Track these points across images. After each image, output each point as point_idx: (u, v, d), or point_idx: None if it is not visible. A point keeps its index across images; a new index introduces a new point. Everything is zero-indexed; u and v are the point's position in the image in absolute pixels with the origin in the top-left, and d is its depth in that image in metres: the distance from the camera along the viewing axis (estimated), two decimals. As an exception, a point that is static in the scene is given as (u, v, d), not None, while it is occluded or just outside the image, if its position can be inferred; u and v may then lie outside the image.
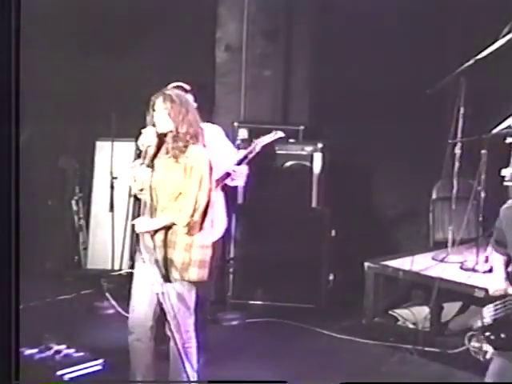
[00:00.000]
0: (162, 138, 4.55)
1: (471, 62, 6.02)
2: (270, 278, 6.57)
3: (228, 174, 5.25)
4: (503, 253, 4.13)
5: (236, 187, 6.28)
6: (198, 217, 4.50)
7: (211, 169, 4.59)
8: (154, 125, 4.52)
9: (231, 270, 6.63)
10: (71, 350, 5.24)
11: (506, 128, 5.95)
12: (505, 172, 5.94)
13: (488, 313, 4.08)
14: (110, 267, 6.56)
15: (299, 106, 7.32)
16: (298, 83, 7.31)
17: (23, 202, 6.96)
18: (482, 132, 6.04)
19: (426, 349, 5.73)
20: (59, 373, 4.96)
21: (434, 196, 6.68)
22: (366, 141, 6.99)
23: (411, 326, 6.20)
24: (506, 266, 4.13)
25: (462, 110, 6.08)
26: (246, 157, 5.37)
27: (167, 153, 4.55)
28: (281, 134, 5.63)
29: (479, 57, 6.02)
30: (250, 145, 5.51)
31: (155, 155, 4.53)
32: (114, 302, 6.04)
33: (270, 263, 6.56)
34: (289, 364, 5.54)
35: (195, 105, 5.24)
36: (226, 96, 7.20)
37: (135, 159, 4.72)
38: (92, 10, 6.71)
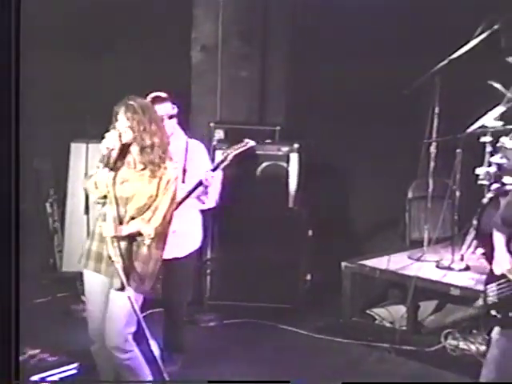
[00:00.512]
0: (125, 147, 4.53)
1: (445, 61, 6.08)
2: (247, 279, 6.57)
3: (200, 183, 5.24)
4: (506, 232, 4.18)
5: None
6: (162, 230, 4.52)
7: (176, 187, 4.62)
8: (118, 132, 4.53)
9: (208, 271, 6.62)
10: (46, 355, 5.27)
11: (480, 127, 6.03)
12: (479, 171, 6.03)
13: (492, 291, 4.16)
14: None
15: (275, 107, 7.34)
16: (274, 84, 7.34)
17: None
18: (456, 131, 6.07)
19: (403, 347, 5.76)
20: (33, 378, 4.97)
21: (409, 195, 6.72)
22: (343, 141, 6.99)
23: (388, 324, 6.20)
24: (508, 245, 4.18)
25: (436, 110, 6.15)
26: (217, 166, 5.37)
27: (136, 165, 4.53)
28: (252, 143, 5.63)
29: (453, 57, 6.07)
30: (224, 153, 5.52)
31: (117, 160, 4.51)
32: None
33: (247, 264, 6.58)
34: (266, 364, 5.55)
35: (174, 110, 5.28)
36: (202, 96, 7.20)
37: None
38: (67, 10, 6.67)
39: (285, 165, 6.64)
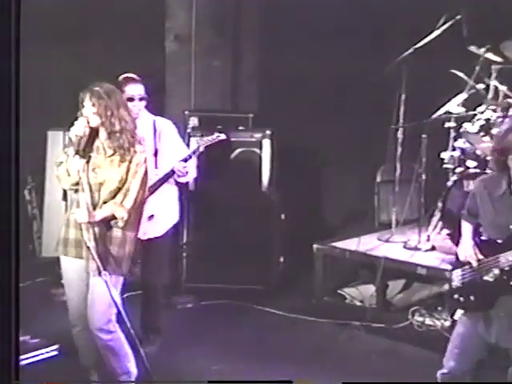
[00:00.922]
0: (93, 133, 4.54)
1: (410, 50, 6.17)
2: (222, 262, 6.58)
3: (173, 172, 5.31)
4: (473, 222, 4.24)
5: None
6: (135, 212, 4.55)
7: (147, 168, 4.62)
8: (86, 119, 4.52)
9: (185, 254, 6.64)
10: (27, 337, 5.33)
11: (444, 113, 6.14)
12: (444, 155, 6.15)
13: (457, 277, 4.20)
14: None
15: (248, 95, 7.40)
16: (247, 72, 7.39)
17: None
18: (422, 117, 6.18)
19: (373, 325, 5.86)
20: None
21: (378, 179, 6.83)
22: (314, 127, 7.03)
23: (358, 303, 6.29)
24: (474, 234, 4.23)
25: (403, 97, 6.23)
26: (190, 156, 5.43)
27: (106, 151, 4.53)
28: (223, 136, 5.73)
29: (418, 46, 6.16)
30: (196, 143, 5.64)
31: (86, 147, 4.51)
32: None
33: (222, 247, 6.60)
34: (242, 343, 5.64)
35: (144, 95, 5.30)
36: (176, 85, 7.22)
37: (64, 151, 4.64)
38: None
39: (258, 151, 6.67)
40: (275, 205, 6.71)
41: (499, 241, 4.09)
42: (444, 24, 6.10)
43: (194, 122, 6.83)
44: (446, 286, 4.32)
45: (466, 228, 4.29)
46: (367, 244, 6.26)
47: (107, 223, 4.51)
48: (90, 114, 4.48)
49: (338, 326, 5.94)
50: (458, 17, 6.07)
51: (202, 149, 5.55)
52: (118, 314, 4.58)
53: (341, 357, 5.51)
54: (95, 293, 4.52)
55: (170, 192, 5.46)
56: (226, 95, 7.32)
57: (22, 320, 5.27)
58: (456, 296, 4.22)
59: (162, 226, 5.43)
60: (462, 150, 6.09)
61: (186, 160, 5.41)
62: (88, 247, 4.44)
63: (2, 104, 3.25)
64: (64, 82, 4.59)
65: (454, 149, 6.15)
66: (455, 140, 6.16)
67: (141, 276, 5.37)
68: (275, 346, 5.62)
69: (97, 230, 4.49)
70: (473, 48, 6.11)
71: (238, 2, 7.24)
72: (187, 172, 5.39)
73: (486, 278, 4.09)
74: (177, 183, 5.49)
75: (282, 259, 6.80)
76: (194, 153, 5.53)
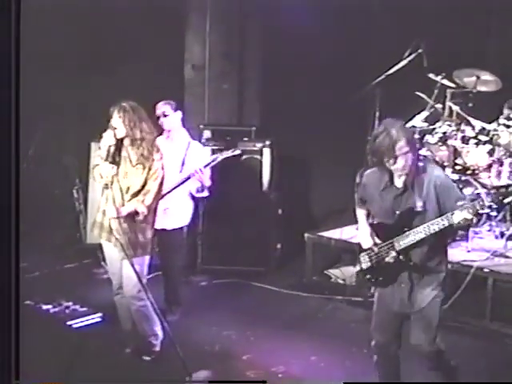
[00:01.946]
0: (120, 142, 4.59)
1: (383, 76, 6.26)
2: (230, 248, 6.66)
3: (189, 176, 5.37)
4: (365, 208, 4.13)
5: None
6: (153, 207, 4.66)
7: (164, 173, 4.68)
8: (113, 129, 4.57)
9: (200, 242, 6.72)
10: (77, 306, 5.52)
11: (410, 127, 6.17)
12: None
13: (363, 260, 4.06)
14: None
15: (251, 112, 7.39)
16: (250, 94, 7.39)
17: (36, 192, 7.06)
18: None
19: (353, 299, 5.93)
20: (69, 323, 5.21)
21: (357, 180, 6.60)
22: (305, 139, 7.03)
23: (341, 282, 6.33)
24: (367, 218, 4.12)
25: (377, 113, 6.30)
26: (208, 164, 5.52)
27: (132, 159, 4.58)
28: (239, 151, 5.76)
29: (389, 73, 6.25)
30: (215, 154, 5.69)
31: (115, 154, 4.57)
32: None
33: (230, 236, 6.66)
34: (247, 314, 5.73)
35: (178, 113, 5.47)
36: (193, 104, 7.25)
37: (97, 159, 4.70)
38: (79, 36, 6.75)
39: (259, 157, 6.73)
40: (273, 202, 6.79)
41: (388, 224, 3.95)
42: (409, 55, 6.18)
43: (207, 134, 6.93)
44: (358, 268, 4.09)
45: (360, 214, 4.16)
46: (349, 233, 6.25)
47: (131, 217, 4.63)
48: (117, 124, 4.57)
49: (324, 299, 6.02)
50: (420, 50, 6.13)
51: (219, 159, 5.58)
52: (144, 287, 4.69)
53: (326, 324, 5.62)
54: (125, 270, 4.68)
55: (184, 194, 5.53)
56: (234, 112, 7.36)
57: (72, 293, 5.73)
58: (368, 276, 4.06)
59: (176, 222, 5.49)
60: (425, 157, 5.88)
61: (204, 166, 5.46)
62: (116, 238, 4.60)
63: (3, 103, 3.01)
64: (102, 102, 4.74)
65: (419, 157, 6.23)
66: (419, 149, 5.98)
67: (160, 259, 5.45)
68: (273, 316, 5.73)
69: (123, 222, 4.61)
70: (432, 75, 6.22)
71: (244, 38, 7.25)
72: (201, 178, 5.39)
73: (386, 259, 3.94)
74: (193, 197, 5.56)
75: (278, 246, 6.88)
76: (213, 161, 5.55)
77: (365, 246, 4.07)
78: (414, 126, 6.23)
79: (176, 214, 5.48)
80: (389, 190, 3.95)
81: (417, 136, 6.21)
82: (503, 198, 3.75)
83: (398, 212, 3.91)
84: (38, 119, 6.80)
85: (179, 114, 5.57)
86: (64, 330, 5.00)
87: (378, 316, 4.15)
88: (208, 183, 5.55)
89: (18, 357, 3.10)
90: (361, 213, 4.18)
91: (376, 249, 4.01)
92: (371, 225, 4.08)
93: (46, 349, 3.66)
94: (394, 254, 3.93)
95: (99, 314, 5.44)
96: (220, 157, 5.60)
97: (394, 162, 3.81)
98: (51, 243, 7.15)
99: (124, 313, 4.89)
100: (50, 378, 3.58)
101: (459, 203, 3.78)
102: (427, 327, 3.97)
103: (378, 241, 4.01)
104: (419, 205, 3.85)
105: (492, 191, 3.83)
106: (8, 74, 2.85)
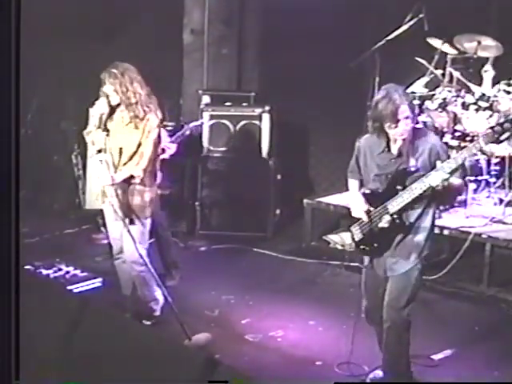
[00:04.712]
0: (114, 107, 4.55)
1: (383, 42, 6.23)
2: (230, 214, 6.69)
3: (163, 150, 5.32)
4: (358, 178, 4.10)
5: (199, 142, 6.60)
6: (149, 169, 4.63)
7: (160, 134, 4.68)
8: (106, 96, 4.54)
9: (199, 208, 6.72)
10: (77, 271, 5.56)
11: (410, 93, 5.96)
12: None
13: (356, 231, 4.05)
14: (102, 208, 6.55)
15: (250, 77, 7.34)
16: (249, 59, 7.35)
17: (35, 158, 7.04)
18: None
19: (350, 264, 5.75)
20: (69, 287, 5.22)
21: (356, 144, 6.85)
22: (305, 104, 6.95)
23: (339, 247, 5.90)
24: (359, 188, 4.09)
25: (377, 79, 6.28)
26: (178, 137, 5.55)
27: (124, 120, 4.53)
28: (203, 121, 6.14)
29: (389, 38, 6.22)
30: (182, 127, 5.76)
31: (107, 121, 4.54)
32: (107, 234, 6.06)
33: (230, 202, 6.68)
34: (246, 279, 5.76)
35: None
36: (192, 70, 7.25)
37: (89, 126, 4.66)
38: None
39: (258, 123, 6.69)
40: (272, 167, 6.76)
41: (380, 191, 3.94)
42: (410, 20, 6.15)
43: (206, 99, 6.92)
44: (350, 240, 4.07)
45: (353, 184, 4.13)
46: (347, 199, 6.13)
47: (127, 181, 4.59)
48: (109, 92, 4.51)
49: (323, 265, 6.03)
50: (421, 15, 6.10)
51: (187, 132, 5.68)
52: (147, 251, 4.72)
53: (325, 289, 5.66)
54: (125, 235, 4.68)
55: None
56: (233, 77, 7.31)
57: (72, 258, 5.72)
58: (362, 247, 4.05)
59: None
60: (424, 123, 6.18)
61: (175, 139, 5.54)
62: (112, 204, 4.56)
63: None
64: (101, 68, 4.71)
65: (417, 122, 5.96)
66: (419, 115, 6.16)
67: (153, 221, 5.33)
68: (272, 281, 5.75)
69: (119, 188, 4.57)
70: (432, 41, 6.19)
71: (243, 2, 7.21)
72: (173, 149, 5.45)
73: (380, 225, 3.92)
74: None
75: (278, 211, 6.88)
76: (182, 134, 5.64)
77: (357, 215, 4.03)
78: (413, 92, 6.20)
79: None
80: (385, 155, 3.95)
81: (417, 102, 6.15)
82: (499, 136, 3.72)
83: (390, 176, 3.92)
84: (36, 84, 6.75)
85: None
86: (64, 294, 4.78)
87: (365, 285, 4.19)
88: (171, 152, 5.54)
89: (17, 357, 3.03)
90: (353, 183, 4.16)
91: (368, 217, 3.97)
92: (363, 194, 4.04)
93: (45, 313, 3.67)
94: (388, 217, 3.90)
95: (99, 279, 5.47)
96: (188, 129, 5.68)
97: (396, 126, 3.81)
98: (51, 209, 7.15)
99: (124, 277, 4.91)
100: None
101: (438, 164, 3.79)
102: (400, 293, 3.98)
103: (370, 208, 3.97)
104: (412, 165, 3.86)
105: (488, 131, 3.77)
106: (8, 38, 2.80)
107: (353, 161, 4.15)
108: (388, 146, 3.94)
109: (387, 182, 3.94)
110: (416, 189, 3.83)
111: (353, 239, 4.10)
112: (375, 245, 4.02)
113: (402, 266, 3.99)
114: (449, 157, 3.91)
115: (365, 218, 4.00)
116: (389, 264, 4.02)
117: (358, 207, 4.02)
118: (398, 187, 3.88)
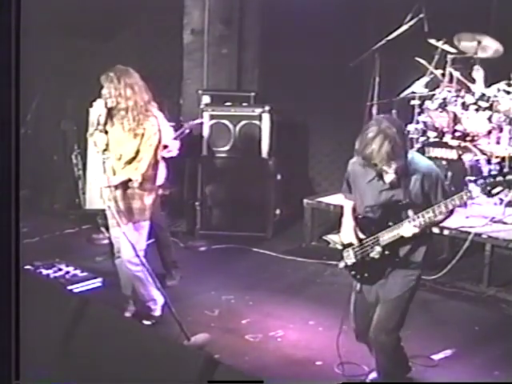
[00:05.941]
0: (112, 110, 4.55)
1: (383, 41, 6.25)
2: (229, 213, 6.70)
3: (165, 146, 5.30)
4: (350, 198, 3.96)
5: (199, 142, 6.60)
6: (148, 173, 4.63)
7: (160, 138, 4.65)
8: (104, 98, 4.54)
9: (199, 208, 6.72)
10: (77, 271, 5.57)
11: (410, 93, 6.24)
12: (410, 127, 6.22)
13: (347, 256, 3.96)
14: (103, 208, 6.54)
15: (250, 77, 7.37)
16: (249, 59, 7.38)
17: (35, 158, 7.07)
18: (392, 96, 6.27)
19: None
20: (69, 287, 5.21)
21: (356, 146, 6.90)
22: (305, 104, 7.00)
23: (339, 247, 6.15)
24: (353, 210, 3.94)
25: (377, 79, 6.34)
26: (178, 135, 5.56)
27: (124, 127, 4.53)
28: (203, 120, 6.19)
29: (389, 38, 6.24)
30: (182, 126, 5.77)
31: (106, 122, 4.54)
32: (107, 234, 5.86)
33: (230, 202, 6.69)
34: (246, 279, 5.76)
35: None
36: (192, 70, 7.27)
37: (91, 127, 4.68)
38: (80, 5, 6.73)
39: (258, 123, 6.68)
40: (272, 167, 6.77)
41: (373, 219, 3.80)
42: (410, 21, 6.16)
43: (206, 99, 6.91)
44: (343, 264, 3.98)
45: (347, 205, 3.98)
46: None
47: (125, 184, 4.60)
48: (106, 95, 4.53)
49: (322, 265, 6.02)
50: (421, 15, 6.11)
51: (187, 130, 5.68)
52: (145, 251, 4.72)
53: (325, 289, 5.64)
54: (122, 236, 4.68)
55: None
56: (233, 77, 7.33)
57: (72, 258, 5.72)
58: (353, 273, 3.95)
59: None
60: (424, 123, 6.22)
61: (176, 138, 5.57)
62: (109, 206, 4.56)
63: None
64: (101, 67, 4.71)
65: (417, 122, 6.26)
66: (419, 115, 6.27)
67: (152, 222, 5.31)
68: (271, 281, 5.75)
69: (117, 191, 4.58)
70: (432, 41, 6.18)
71: (243, 2, 7.23)
72: (175, 147, 5.47)
73: (371, 255, 3.82)
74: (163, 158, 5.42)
75: (277, 211, 6.88)
76: (182, 133, 5.64)
77: (347, 242, 3.95)
78: (413, 92, 6.21)
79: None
80: (376, 183, 3.77)
81: (416, 102, 6.19)
82: (491, 189, 3.56)
83: (382, 206, 3.78)
84: (36, 84, 6.80)
85: None
86: (64, 294, 4.79)
87: (354, 304, 4.05)
88: (175, 153, 5.58)
89: (17, 357, 3.00)
90: (346, 203, 4.01)
91: (360, 245, 3.88)
92: (356, 219, 3.92)
93: (45, 313, 3.67)
94: (379, 249, 3.80)
95: (99, 279, 5.48)
96: (187, 127, 5.70)
97: (389, 167, 3.63)
98: (51, 209, 7.16)
99: (124, 276, 4.91)
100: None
101: (410, 215, 3.65)
102: (391, 315, 3.89)
103: (362, 236, 3.88)
104: (404, 198, 3.72)
105: (479, 181, 3.59)
106: (8, 37, 2.77)
107: (344, 183, 4.01)
108: (379, 176, 3.75)
109: (379, 213, 3.81)
110: (392, 236, 3.70)
111: (345, 264, 4.01)
112: (366, 275, 3.92)
113: (393, 293, 3.88)
114: (443, 183, 3.76)
115: (356, 244, 3.91)
116: (380, 292, 3.92)
117: (350, 234, 3.93)
118: (390, 223, 3.75)
